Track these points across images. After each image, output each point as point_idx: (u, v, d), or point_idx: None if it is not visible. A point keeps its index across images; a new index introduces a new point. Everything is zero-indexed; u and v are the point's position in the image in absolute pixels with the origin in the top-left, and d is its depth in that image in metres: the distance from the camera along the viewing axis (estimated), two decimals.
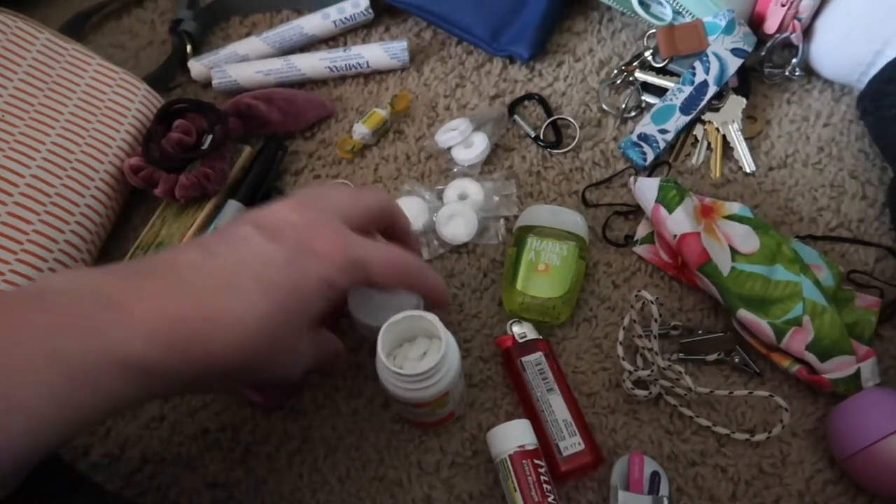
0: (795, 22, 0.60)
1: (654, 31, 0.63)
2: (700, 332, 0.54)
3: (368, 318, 0.48)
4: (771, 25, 0.61)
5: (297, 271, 0.39)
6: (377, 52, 0.66)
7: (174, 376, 0.37)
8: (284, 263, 0.39)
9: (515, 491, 0.47)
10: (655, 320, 0.51)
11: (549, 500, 0.47)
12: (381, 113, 0.64)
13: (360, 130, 0.63)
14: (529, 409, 0.51)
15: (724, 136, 0.61)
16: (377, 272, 0.42)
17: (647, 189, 0.56)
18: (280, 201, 0.42)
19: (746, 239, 0.53)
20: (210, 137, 0.60)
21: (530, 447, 0.48)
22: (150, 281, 0.38)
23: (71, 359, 0.34)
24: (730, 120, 0.61)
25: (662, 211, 0.54)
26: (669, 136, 0.60)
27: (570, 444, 0.49)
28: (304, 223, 0.41)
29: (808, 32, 0.61)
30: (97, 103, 0.60)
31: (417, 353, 0.48)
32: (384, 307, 0.47)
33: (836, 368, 0.49)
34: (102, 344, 0.35)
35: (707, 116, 0.61)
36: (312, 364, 0.44)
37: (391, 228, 0.48)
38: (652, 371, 0.51)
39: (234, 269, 0.39)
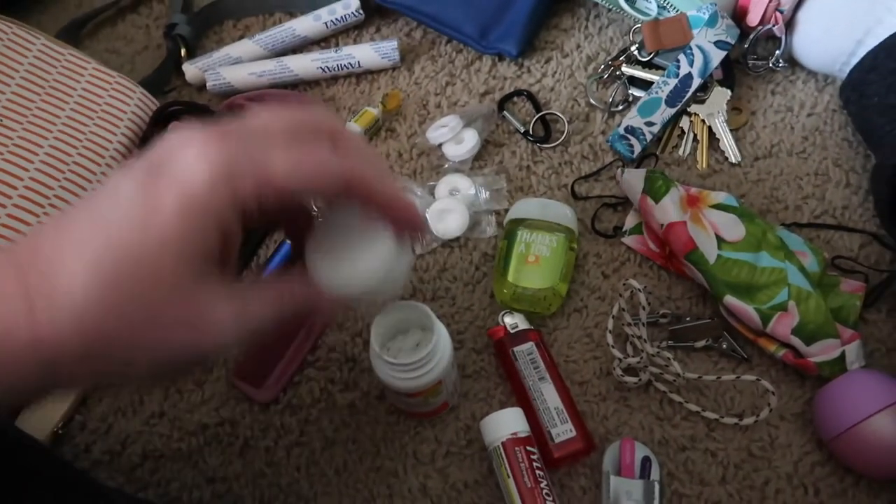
0: (777, 14, 0.61)
1: (639, 25, 0.64)
2: (688, 319, 0.55)
3: (327, 275, 0.36)
4: (753, 18, 0.62)
5: (143, 200, 0.28)
6: (368, 53, 0.67)
7: (10, 376, 0.28)
8: (128, 193, 0.29)
9: (509, 477, 0.48)
10: (644, 308, 0.52)
11: (542, 485, 0.48)
12: (373, 112, 0.65)
13: (353, 129, 0.64)
14: (522, 398, 0.52)
15: (709, 128, 0.62)
16: (280, 173, 0.30)
17: (634, 180, 0.57)
18: None
19: (732, 227, 0.54)
20: None
21: (523, 434, 0.49)
22: None
23: None
24: (715, 111, 0.62)
25: (649, 201, 0.55)
26: (656, 129, 0.61)
27: (562, 430, 0.50)
28: (178, 137, 0.30)
29: (790, 24, 0.62)
30: (94, 107, 0.61)
31: (411, 343, 0.49)
32: (349, 255, 0.36)
33: (821, 352, 0.50)
34: None
35: (693, 108, 0.62)
36: (253, 323, 0.33)
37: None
38: (641, 358, 0.52)
39: (72, 216, 0.29)
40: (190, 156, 0.28)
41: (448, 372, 0.48)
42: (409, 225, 0.36)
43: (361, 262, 0.36)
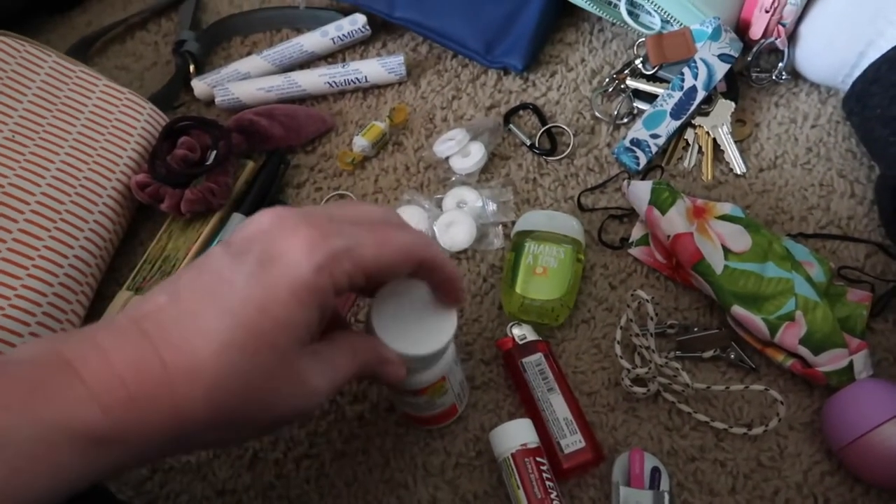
0: (780, 27, 0.62)
1: (643, 39, 0.65)
2: (696, 329, 0.55)
3: (398, 343, 0.41)
4: (756, 31, 0.63)
5: (260, 286, 0.33)
6: (375, 67, 0.68)
7: (144, 441, 0.32)
8: (246, 280, 0.33)
9: (519, 489, 0.48)
10: (651, 319, 0.53)
11: (552, 496, 0.48)
12: (380, 126, 0.65)
13: (360, 143, 0.65)
14: (531, 409, 0.52)
15: (714, 140, 0.62)
16: (371, 258, 0.35)
17: (640, 192, 0.57)
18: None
19: (738, 238, 0.54)
20: (214, 153, 0.61)
21: (532, 445, 0.49)
22: (109, 335, 0.33)
23: (10, 439, 0.29)
24: (719, 123, 0.62)
25: (656, 212, 0.56)
26: (661, 141, 0.62)
27: (572, 441, 0.50)
28: (273, 225, 0.35)
29: (792, 37, 0.63)
30: (104, 123, 0.62)
31: None
32: (415, 327, 0.42)
33: (829, 361, 0.50)
34: (49, 417, 0.30)
35: (697, 120, 0.63)
36: (339, 384, 0.38)
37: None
38: (649, 369, 0.52)
39: (194, 300, 0.33)
40: (297, 247, 0.34)
41: (452, 368, 0.48)
42: (457, 297, 0.42)
43: (429, 328, 0.41)
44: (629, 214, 0.61)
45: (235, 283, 0.33)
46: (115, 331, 0.33)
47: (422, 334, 0.42)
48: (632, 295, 0.54)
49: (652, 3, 0.62)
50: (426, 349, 0.42)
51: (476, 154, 0.63)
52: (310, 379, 0.36)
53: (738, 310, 0.52)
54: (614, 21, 0.66)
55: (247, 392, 0.33)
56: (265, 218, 0.35)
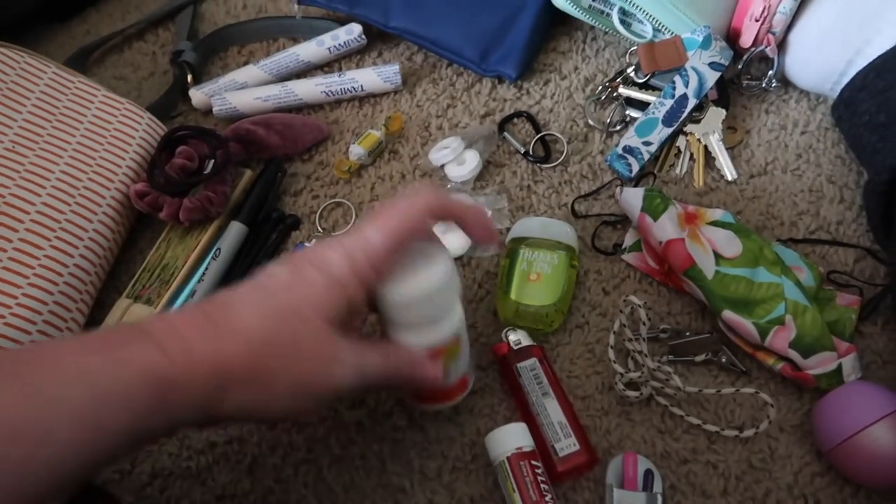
0: (769, 35, 0.63)
1: (635, 48, 0.66)
2: (688, 333, 0.56)
3: (392, 287, 0.43)
4: (746, 40, 0.64)
5: (298, 276, 0.41)
6: (371, 76, 0.69)
7: (194, 389, 0.38)
8: (288, 274, 0.42)
9: (514, 492, 0.49)
10: (644, 323, 0.53)
11: (547, 499, 0.48)
12: (376, 134, 0.66)
13: (356, 151, 0.65)
14: (526, 413, 0.53)
15: (705, 147, 0.63)
16: (379, 245, 0.42)
17: (632, 199, 0.58)
18: None
19: (729, 243, 0.55)
20: (212, 162, 0.62)
21: (527, 449, 0.50)
22: (176, 312, 0.43)
23: (97, 375, 0.35)
24: (711, 130, 0.63)
25: (648, 219, 0.57)
26: (653, 148, 0.63)
27: (566, 445, 0.51)
28: (325, 245, 0.43)
29: (782, 45, 0.64)
30: (103, 133, 0.63)
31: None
32: (411, 274, 0.44)
33: (818, 364, 0.51)
34: (128, 360, 0.37)
35: (689, 128, 0.63)
36: (366, 372, 0.43)
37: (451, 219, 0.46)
38: (642, 373, 0.53)
39: (246, 289, 0.42)
40: (334, 255, 0.42)
41: (462, 332, 0.48)
42: (485, 229, 0.47)
43: (423, 272, 0.44)
44: (622, 221, 0.61)
45: (280, 276, 0.42)
46: (181, 309, 0.43)
47: (416, 277, 0.43)
48: (625, 300, 0.54)
49: (643, 12, 0.63)
50: (420, 288, 0.43)
51: (471, 162, 0.64)
52: (333, 348, 0.41)
53: (728, 314, 0.53)
54: (607, 30, 0.67)
55: (276, 347, 0.40)
56: (311, 245, 0.44)
